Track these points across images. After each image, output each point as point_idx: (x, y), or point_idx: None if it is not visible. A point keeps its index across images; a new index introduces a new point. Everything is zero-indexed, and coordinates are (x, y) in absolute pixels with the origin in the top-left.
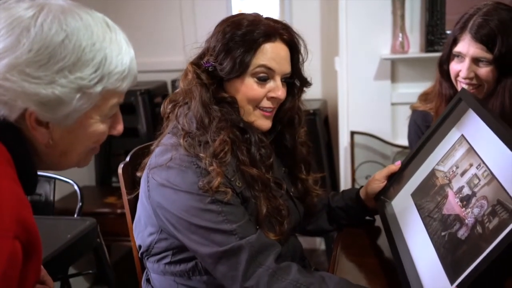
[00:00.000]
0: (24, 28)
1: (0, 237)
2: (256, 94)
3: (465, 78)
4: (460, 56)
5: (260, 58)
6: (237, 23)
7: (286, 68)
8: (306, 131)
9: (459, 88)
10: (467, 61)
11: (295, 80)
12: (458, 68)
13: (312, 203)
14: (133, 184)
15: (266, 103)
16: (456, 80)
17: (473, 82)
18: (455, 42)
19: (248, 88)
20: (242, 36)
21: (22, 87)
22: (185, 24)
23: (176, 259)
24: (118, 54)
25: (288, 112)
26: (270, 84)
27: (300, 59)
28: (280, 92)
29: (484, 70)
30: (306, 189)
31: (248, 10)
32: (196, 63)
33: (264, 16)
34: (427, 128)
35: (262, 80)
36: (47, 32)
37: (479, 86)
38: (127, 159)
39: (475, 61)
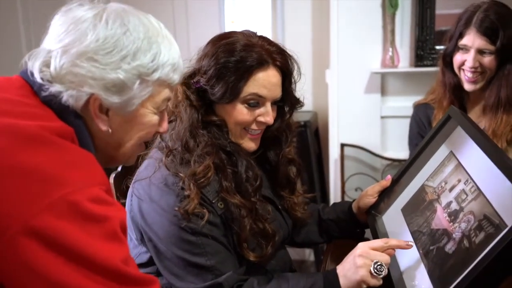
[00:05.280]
0: (90, 24)
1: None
2: (246, 119)
3: (471, 68)
4: (465, 48)
5: (251, 86)
6: (230, 47)
7: (277, 93)
8: (295, 148)
9: (461, 77)
10: (472, 52)
11: (286, 103)
12: (464, 58)
13: (298, 217)
14: (125, 194)
15: (254, 127)
16: (459, 70)
17: (477, 70)
18: (461, 36)
19: (238, 112)
20: (235, 63)
21: (90, 72)
22: (178, 38)
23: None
24: (170, 49)
25: (274, 132)
26: (260, 110)
27: (292, 81)
28: (269, 118)
29: (487, 59)
30: (288, 207)
31: (241, 22)
32: (186, 83)
33: (258, 34)
34: (427, 119)
35: (252, 106)
36: (111, 26)
37: (482, 73)
38: (119, 169)
39: (480, 52)
